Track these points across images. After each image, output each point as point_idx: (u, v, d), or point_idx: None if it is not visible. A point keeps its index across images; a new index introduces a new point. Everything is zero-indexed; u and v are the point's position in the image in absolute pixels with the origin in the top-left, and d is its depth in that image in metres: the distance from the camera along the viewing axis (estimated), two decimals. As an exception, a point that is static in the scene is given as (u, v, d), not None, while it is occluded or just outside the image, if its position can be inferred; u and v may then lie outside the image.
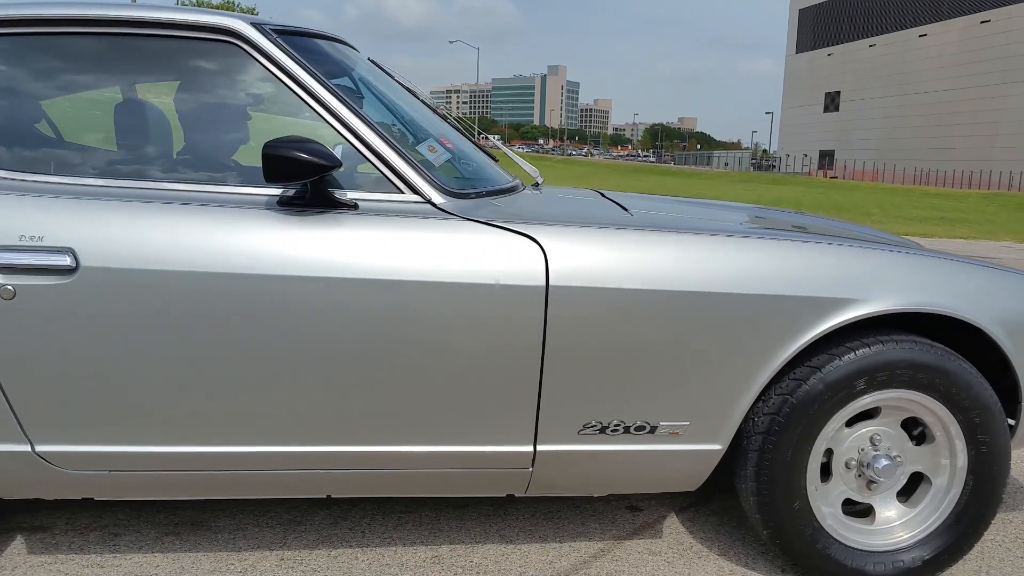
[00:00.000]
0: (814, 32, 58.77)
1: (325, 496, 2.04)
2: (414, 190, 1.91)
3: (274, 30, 1.97)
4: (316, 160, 1.73)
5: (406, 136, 2.05)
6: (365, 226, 1.83)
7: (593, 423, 1.93)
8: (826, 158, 55.59)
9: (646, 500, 2.60)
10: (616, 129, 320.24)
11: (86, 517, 2.36)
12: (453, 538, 2.30)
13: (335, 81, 2.00)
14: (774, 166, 65.76)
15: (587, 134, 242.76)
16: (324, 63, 2.02)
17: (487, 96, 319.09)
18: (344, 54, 2.31)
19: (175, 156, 2.00)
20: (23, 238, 1.72)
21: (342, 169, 1.84)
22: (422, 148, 2.05)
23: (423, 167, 1.95)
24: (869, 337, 1.98)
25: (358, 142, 1.90)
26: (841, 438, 2.06)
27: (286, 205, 1.84)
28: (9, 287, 1.72)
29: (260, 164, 1.75)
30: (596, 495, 2.15)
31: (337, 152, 1.98)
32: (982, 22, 43.77)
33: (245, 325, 1.78)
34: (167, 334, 1.76)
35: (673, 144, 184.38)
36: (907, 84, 48.96)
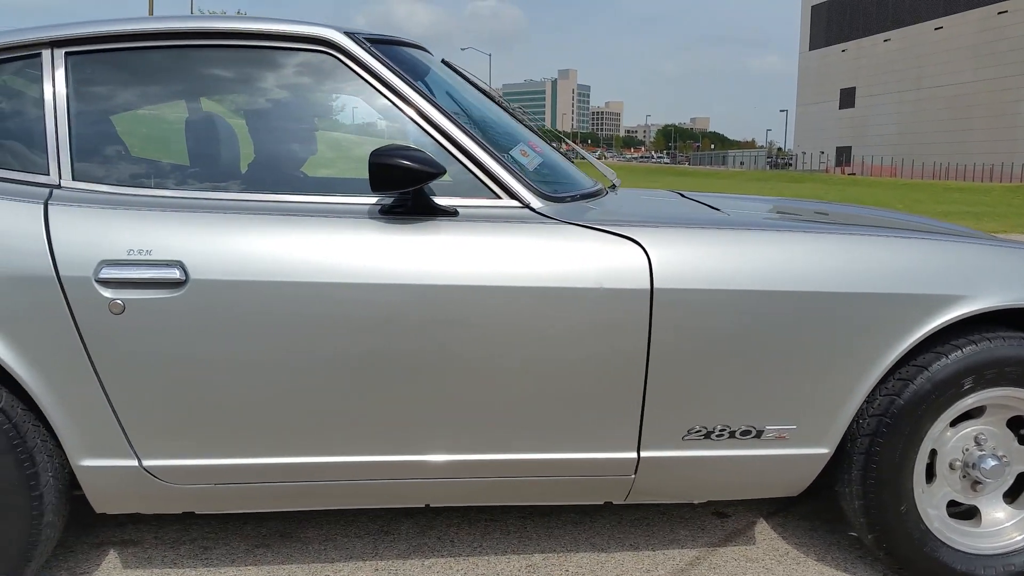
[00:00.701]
0: (827, 28, 58.46)
1: (424, 505, 2.03)
2: (512, 195, 1.89)
3: (366, 38, 1.96)
4: (422, 168, 1.71)
5: (496, 141, 2.03)
6: (466, 233, 1.81)
7: (697, 428, 1.90)
8: (843, 155, 55.24)
9: (732, 506, 2.56)
10: (628, 131, 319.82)
11: (173, 531, 2.35)
12: (544, 546, 2.28)
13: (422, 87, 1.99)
14: (790, 164, 65.43)
15: (599, 137, 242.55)
16: (412, 70, 2.01)
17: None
18: (424, 59, 2.29)
19: (273, 167, 1.99)
20: (132, 252, 1.72)
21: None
22: (515, 153, 2.03)
23: (520, 172, 1.93)
24: (975, 334, 1.94)
25: (455, 149, 1.88)
26: (945, 439, 2.02)
27: (387, 214, 1.82)
28: (119, 301, 1.71)
29: (357, 174, 1.74)
30: (695, 501, 2.12)
31: None
32: (999, 13, 43.36)
33: (351, 335, 1.76)
34: (274, 345, 1.75)
35: (687, 145, 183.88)
36: (923, 78, 48.59)
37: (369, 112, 1.97)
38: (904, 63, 50.12)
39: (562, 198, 1.97)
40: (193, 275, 1.72)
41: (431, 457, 1.87)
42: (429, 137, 1.89)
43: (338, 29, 1.93)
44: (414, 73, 1.98)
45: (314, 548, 2.26)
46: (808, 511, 2.53)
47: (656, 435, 1.90)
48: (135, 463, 1.80)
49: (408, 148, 1.73)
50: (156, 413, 1.78)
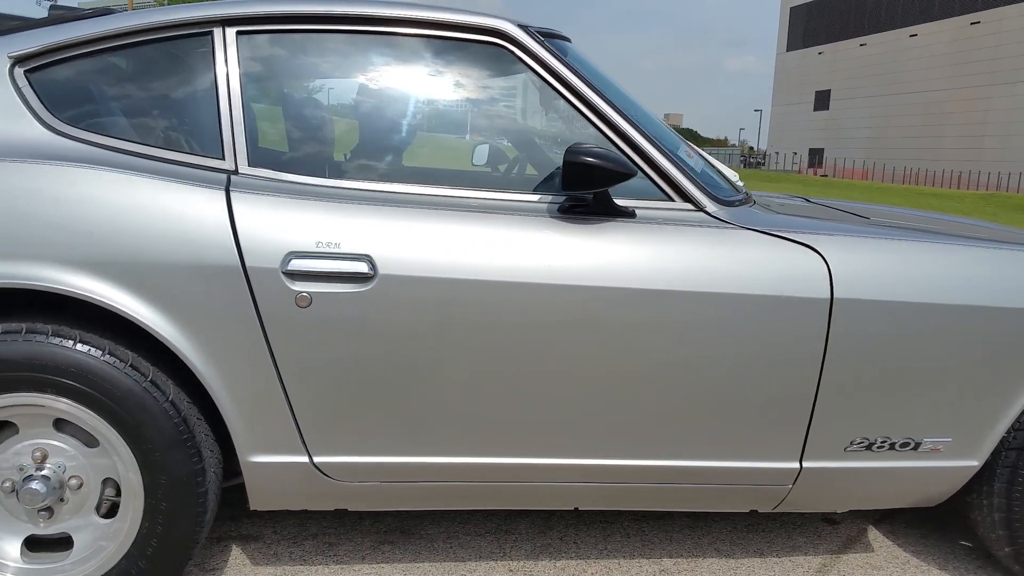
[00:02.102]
0: (805, 30, 59.01)
1: (573, 508, 2.01)
2: (686, 198, 1.87)
3: (538, 31, 1.92)
4: (616, 168, 1.68)
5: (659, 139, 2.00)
6: (646, 235, 1.78)
7: (860, 439, 1.90)
8: (816, 156, 55.94)
9: (839, 512, 2.58)
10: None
11: (290, 525, 2.30)
12: (668, 551, 2.27)
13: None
14: (762, 163, 66.12)
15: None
16: (579, 63, 1.97)
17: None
18: (573, 51, 2.25)
19: (453, 161, 1.94)
20: (320, 244, 1.66)
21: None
22: (682, 153, 2.00)
23: (695, 175, 1.90)
24: None
25: (629, 148, 1.85)
26: None
27: (566, 212, 1.79)
28: (305, 294, 1.66)
29: (533, 171, 1.70)
30: (839, 511, 2.12)
31: None
32: (972, 23, 44.16)
33: (529, 335, 1.73)
34: (454, 344, 1.71)
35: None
36: (897, 84, 49.33)
37: (538, 106, 1.93)
38: (879, 68, 50.83)
39: (731, 202, 1.95)
40: (381, 270, 1.67)
41: (590, 461, 1.85)
42: (602, 135, 1.85)
43: (511, 21, 1.89)
44: (582, 67, 1.94)
45: (439, 546, 2.23)
46: (911, 518, 2.55)
47: (820, 446, 1.89)
48: (306, 459, 1.75)
49: (601, 148, 1.69)
50: (332, 409, 1.73)
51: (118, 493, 1.76)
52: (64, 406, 1.63)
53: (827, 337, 1.81)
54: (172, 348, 1.63)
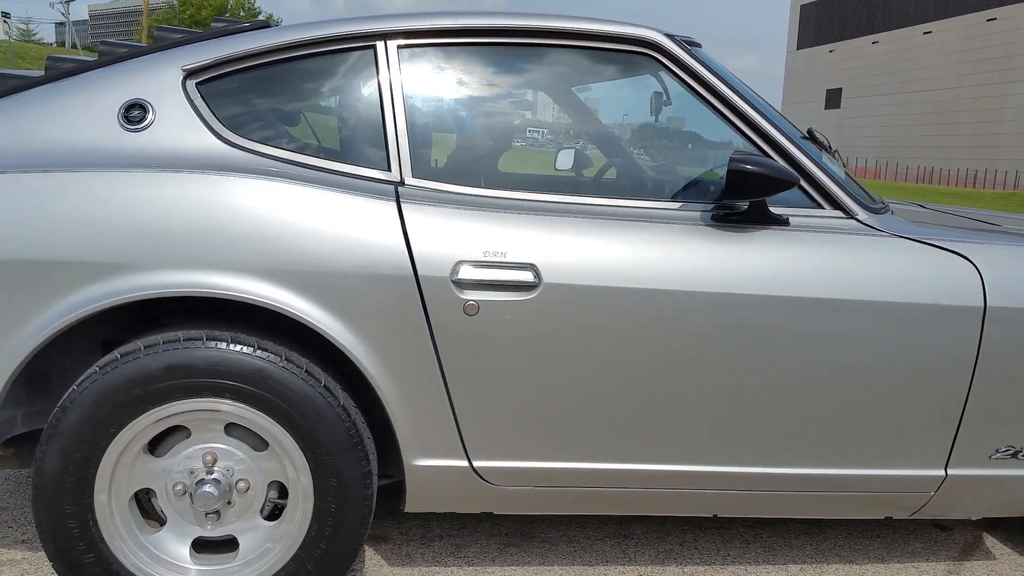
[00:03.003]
0: (815, 28, 58.79)
1: (711, 515, 2.03)
2: (837, 206, 1.88)
3: (684, 40, 1.94)
4: (779, 177, 1.70)
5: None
6: (802, 243, 1.80)
7: (1006, 447, 1.92)
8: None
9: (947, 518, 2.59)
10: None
11: (414, 527, 2.32)
12: (791, 557, 2.29)
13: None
14: (773, 160, 65.90)
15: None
16: (722, 72, 1.98)
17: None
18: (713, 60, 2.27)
19: (609, 170, 1.96)
20: (487, 254, 1.69)
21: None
22: (826, 161, 2.02)
23: (843, 182, 1.92)
24: None
25: (780, 156, 1.87)
26: None
27: (721, 221, 1.81)
28: (473, 302, 1.68)
29: (685, 178, 1.72)
30: (972, 518, 2.14)
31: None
32: (988, 20, 43.94)
33: (688, 344, 1.75)
34: (614, 352, 1.74)
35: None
36: (910, 82, 49.14)
37: (688, 115, 1.95)
38: (891, 66, 50.62)
39: (877, 209, 1.97)
40: (545, 279, 1.70)
41: (736, 469, 1.87)
42: (751, 144, 1.87)
43: (658, 30, 1.90)
44: (725, 75, 1.96)
45: (563, 549, 2.25)
46: (1008, 523, 2.57)
47: (966, 453, 1.91)
48: (465, 464, 1.78)
49: (762, 155, 1.71)
50: (493, 414, 1.75)
51: (280, 496, 1.79)
52: (241, 411, 1.66)
53: (979, 345, 1.83)
54: (349, 354, 1.66)
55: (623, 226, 1.76)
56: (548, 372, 1.73)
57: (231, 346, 1.63)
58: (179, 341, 1.62)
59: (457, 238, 1.69)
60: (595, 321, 1.72)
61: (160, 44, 1.79)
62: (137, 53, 1.78)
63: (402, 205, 1.70)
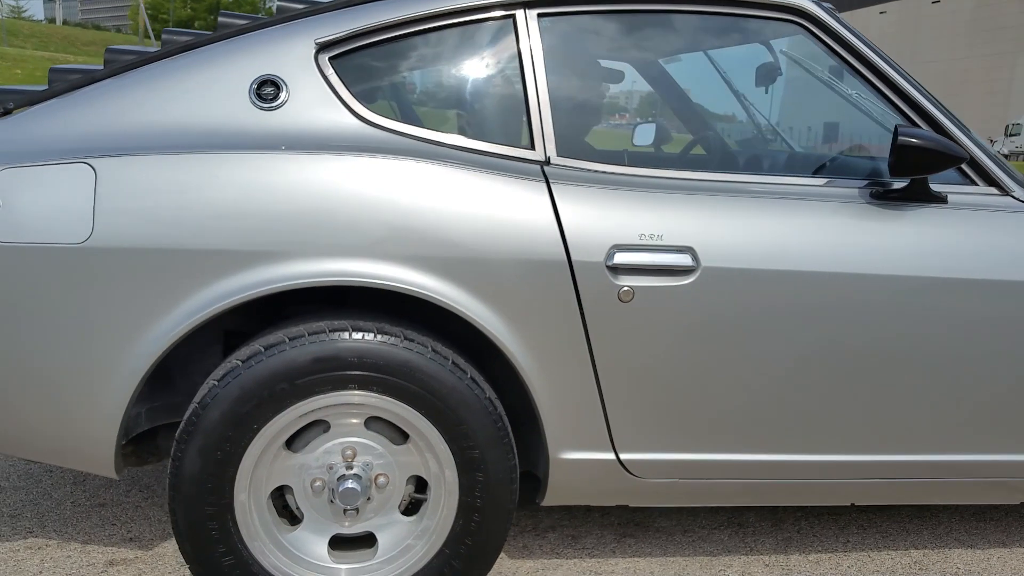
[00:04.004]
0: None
1: (849, 504, 1.96)
2: (992, 182, 1.79)
3: (827, 7, 1.83)
4: (950, 153, 1.61)
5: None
6: (963, 221, 1.72)
7: None
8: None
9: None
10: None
11: (524, 519, 2.26)
12: (913, 542, 2.23)
13: None
14: (778, 133, 65.65)
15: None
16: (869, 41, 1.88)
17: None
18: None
19: (760, 146, 1.87)
20: (643, 237, 1.60)
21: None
22: (976, 135, 1.92)
23: (996, 158, 1.83)
24: None
25: (936, 131, 1.77)
26: None
27: (880, 199, 1.72)
28: (628, 288, 1.60)
29: (832, 153, 1.64)
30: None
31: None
32: (998, -11, 43.39)
33: (850, 329, 1.68)
34: (775, 338, 1.66)
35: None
36: (918, 52, 48.63)
37: (834, 87, 1.85)
38: (900, 37, 50.06)
39: None
40: (704, 262, 1.61)
41: (882, 457, 1.80)
42: (905, 117, 1.77)
43: None
44: (872, 44, 1.86)
45: (680, 539, 2.19)
46: None
47: None
48: (612, 456, 1.71)
49: (931, 131, 1.62)
50: (643, 405, 1.68)
51: (417, 490, 1.72)
52: (386, 404, 1.59)
53: None
54: (498, 343, 1.58)
55: (779, 205, 1.67)
56: (703, 360, 1.65)
57: (377, 337, 1.56)
58: (325, 332, 1.54)
59: (611, 221, 1.60)
60: (754, 306, 1.63)
61: (285, 15, 1.69)
62: (261, 25, 1.68)
63: (552, 186, 1.61)
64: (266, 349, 1.54)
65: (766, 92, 2.05)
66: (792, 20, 1.78)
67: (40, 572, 1.87)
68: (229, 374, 1.53)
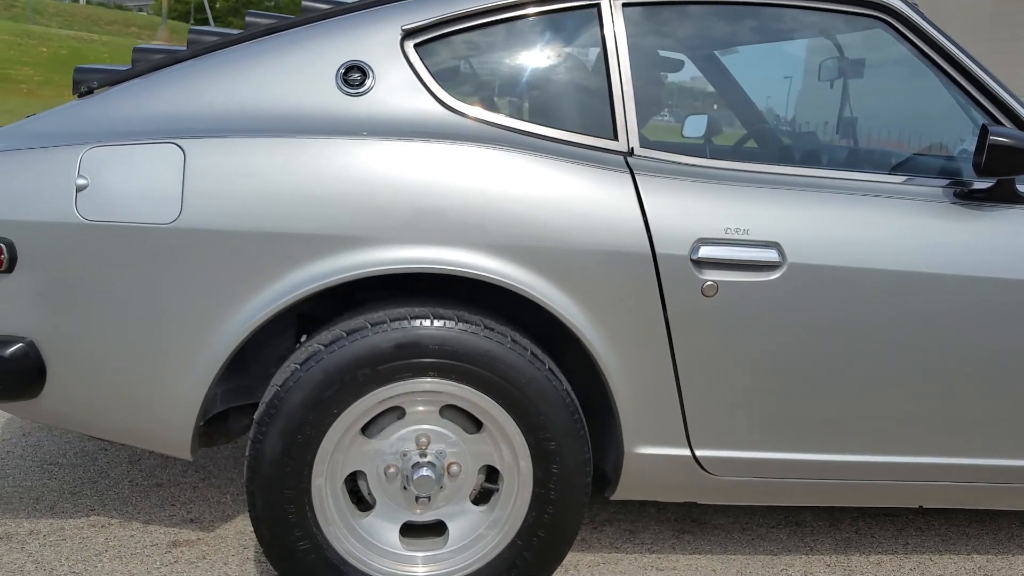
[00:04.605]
0: (845, -6, 57.60)
1: (917, 506, 1.94)
2: None
3: (913, 3, 1.80)
4: None
5: None
6: None
7: None
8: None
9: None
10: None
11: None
12: (976, 546, 2.20)
13: None
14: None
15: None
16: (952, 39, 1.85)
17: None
18: None
19: (846, 142, 1.85)
20: (729, 231, 1.58)
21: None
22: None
23: None
24: None
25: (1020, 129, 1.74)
26: None
27: (965, 199, 1.69)
28: (712, 283, 1.58)
29: (925, 152, 1.61)
30: None
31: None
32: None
33: (930, 329, 1.65)
34: (860, 337, 1.64)
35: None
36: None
37: (915, 84, 1.82)
38: None
39: None
40: (790, 258, 1.59)
41: (960, 460, 1.78)
42: (989, 116, 1.74)
43: None
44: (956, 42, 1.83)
45: (738, 537, 2.17)
46: None
47: None
48: (687, 452, 1.69)
49: (1021, 132, 1.59)
50: (722, 402, 1.66)
51: (487, 480, 1.71)
52: (464, 392, 1.57)
53: None
54: (578, 335, 1.57)
55: (863, 202, 1.65)
56: (785, 358, 1.63)
57: (458, 325, 1.55)
58: (407, 319, 1.53)
59: (697, 214, 1.58)
60: (838, 304, 1.61)
61: (366, 2, 1.67)
62: (346, 9, 1.67)
63: (636, 177, 1.59)
64: (348, 334, 1.53)
65: (831, 87, 2.02)
66: (876, 16, 1.75)
67: (105, 551, 1.87)
68: (312, 358, 1.52)
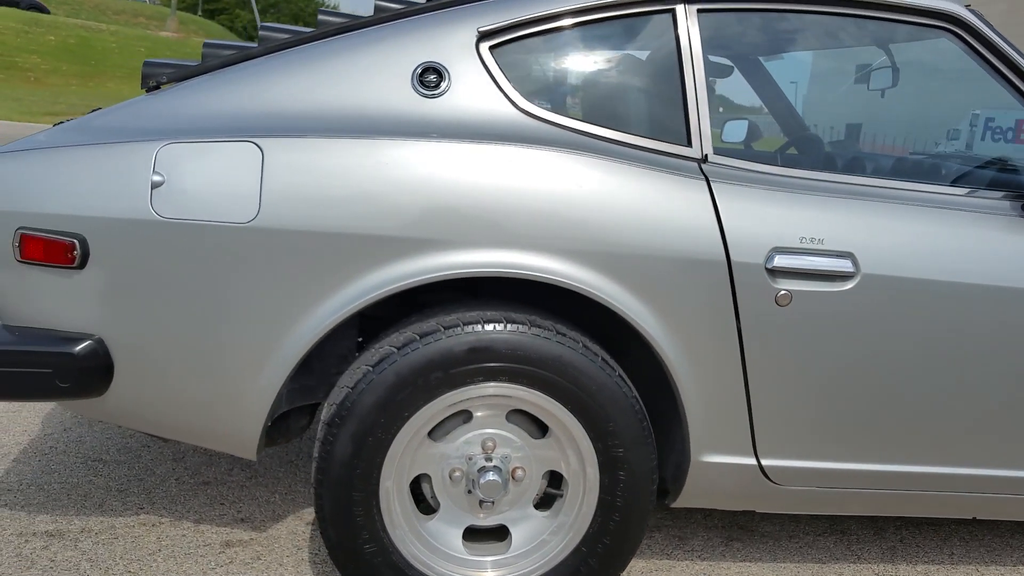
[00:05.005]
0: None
1: (971, 517, 1.94)
2: None
3: (979, 13, 1.80)
4: None
5: None
6: None
7: None
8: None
9: None
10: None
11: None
12: (1021, 558, 2.20)
13: None
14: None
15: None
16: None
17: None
18: None
19: (916, 153, 1.84)
20: (804, 240, 1.57)
21: None
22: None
23: None
24: None
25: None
26: None
27: None
28: (786, 292, 1.57)
29: (979, 163, 1.61)
30: None
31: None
32: (1030, -2, 42.88)
33: (1004, 343, 1.64)
34: (928, 349, 1.63)
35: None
36: (946, 58, 48.21)
37: (978, 95, 1.82)
38: (928, 41, 49.61)
39: None
40: (863, 268, 1.59)
41: (1016, 473, 1.78)
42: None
43: (962, 4, 1.76)
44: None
45: (787, 545, 2.16)
46: None
47: None
48: (753, 462, 1.69)
49: None
50: (791, 411, 1.65)
51: (549, 485, 1.70)
52: (533, 397, 1.57)
53: None
54: (651, 341, 1.56)
55: (934, 213, 1.64)
56: (856, 368, 1.63)
57: (531, 330, 1.54)
58: (480, 323, 1.53)
59: (772, 222, 1.57)
60: (911, 316, 1.61)
61: (442, 2, 1.66)
62: (419, 10, 1.66)
63: (712, 185, 1.58)
64: (421, 337, 1.52)
65: (882, 96, 2.02)
66: (943, 26, 1.74)
67: (159, 550, 1.86)
68: (384, 360, 1.51)
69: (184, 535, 1.93)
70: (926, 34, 1.77)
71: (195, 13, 42.41)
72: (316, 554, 1.91)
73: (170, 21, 29.62)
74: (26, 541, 1.85)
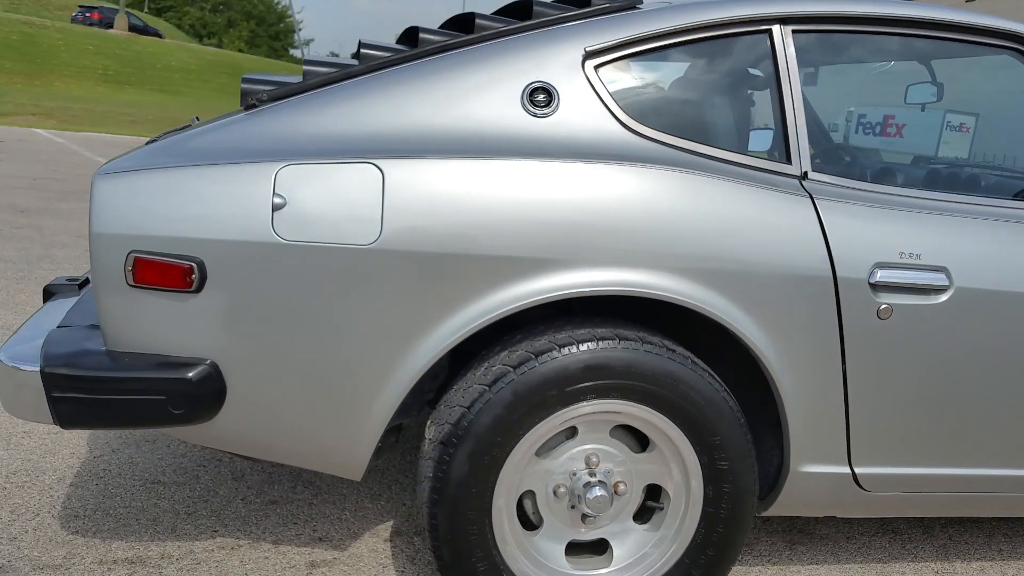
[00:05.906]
0: None
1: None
2: None
3: None
4: None
5: None
6: None
7: None
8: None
9: None
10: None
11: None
12: (1061, 552, 2.30)
13: None
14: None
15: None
16: None
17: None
18: None
19: (1002, 170, 1.90)
20: (903, 255, 1.63)
21: None
22: None
23: None
24: None
25: None
26: None
27: None
28: (886, 306, 1.62)
29: None
30: None
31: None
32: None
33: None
34: (1012, 357, 1.70)
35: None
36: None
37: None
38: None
39: None
40: (957, 282, 1.65)
41: None
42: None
43: (1018, 23, 1.84)
44: None
45: (846, 546, 2.22)
46: None
47: None
48: (846, 470, 1.73)
49: None
50: (885, 419, 1.70)
51: (648, 497, 1.73)
52: (642, 413, 1.59)
53: None
54: (758, 355, 1.59)
55: (1019, 229, 1.71)
56: (950, 378, 1.69)
57: (643, 347, 1.56)
58: (593, 341, 1.54)
59: (874, 238, 1.62)
60: (999, 327, 1.67)
61: (543, 21, 1.67)
62: (520, 29, 1.66)
63: (816, 201, 1.62)
64: (537, 356, 1.53)
65: (922, 110, 2.09)
66: (1004, 45, 1.82)
67: (244, 574, 1.83)
68: (500, 379, 1.52)
69: (267, 557, 1.91)
70: (986, 51, 1.85)
71: (141, 9, 41.36)
72: (402, 571, 1.90)
73: (119, 19, 28.82)
74: (108, 569, 1.80)
